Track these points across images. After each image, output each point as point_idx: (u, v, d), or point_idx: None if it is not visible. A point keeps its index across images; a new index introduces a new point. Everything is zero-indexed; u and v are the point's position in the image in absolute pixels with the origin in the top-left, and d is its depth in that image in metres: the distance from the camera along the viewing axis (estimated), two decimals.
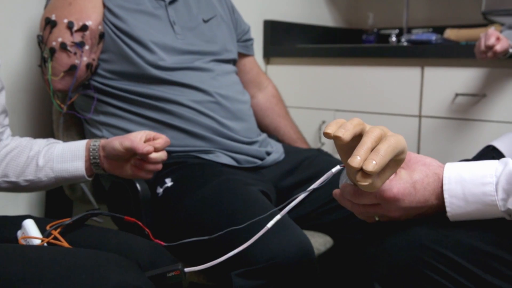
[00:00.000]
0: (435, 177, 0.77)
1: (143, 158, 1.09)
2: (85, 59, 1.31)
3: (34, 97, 1.57)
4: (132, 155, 1.09)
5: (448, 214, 0.76)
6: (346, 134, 0.68)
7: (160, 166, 1.12)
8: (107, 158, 1.11)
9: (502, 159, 0.76)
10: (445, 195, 0.75)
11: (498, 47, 1.56)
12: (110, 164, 1.12)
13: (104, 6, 1.36)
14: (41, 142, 1.14)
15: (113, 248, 0.92)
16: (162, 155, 1.10)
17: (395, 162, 0.72)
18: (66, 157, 1.10)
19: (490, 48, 1.56)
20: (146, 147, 1.06)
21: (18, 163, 1.10)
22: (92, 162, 1.11)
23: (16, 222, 0.97)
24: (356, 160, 0.67)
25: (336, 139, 0.69)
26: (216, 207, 1.16)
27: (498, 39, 1.58)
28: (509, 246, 0.73)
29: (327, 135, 0.69)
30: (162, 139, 1.10)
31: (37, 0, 1.54)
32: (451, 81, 1.92)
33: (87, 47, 1.31)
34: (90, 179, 1.13)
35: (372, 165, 0.66)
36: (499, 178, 0.73)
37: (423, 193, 0.77)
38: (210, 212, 1.16)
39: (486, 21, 2.35)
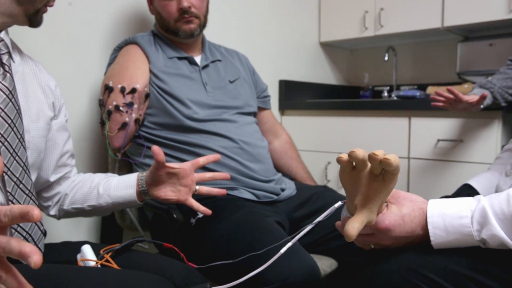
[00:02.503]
0: (420, 211, 0.76)
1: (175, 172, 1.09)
2: (133, 116, 1.33)
3: (94, 144, 1.60)
4: (170, 177, 1.09)
5: (432, 242, 0.75)
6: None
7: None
8: (151, 186, 1.12)
9: (476, 196, 0.75)
10: (429, 227, 0.74)
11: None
12: (153, 190, 1.12)
13: (150, 71, 1.39)
14: (100, 176, 1.16)
15: (153, 270, 0.91)
16: (210, 190, 1.13)
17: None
18: (121, 186, 1.12)
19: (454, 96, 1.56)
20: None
21: (82, 192, 1.12)
22: (141, 190, 1.12)
23: (76, 246, 0.98)
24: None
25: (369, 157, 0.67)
26: (238, 235, 1.15)
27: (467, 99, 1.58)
28: (483, 270, 0.71)
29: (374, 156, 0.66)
30: (213, 174, 1.13)
31: (97, 67, 1.59)
32: (433, 129, 1.92)
33: (135, 106, 1.34)
34: (141, 203, 1.14)
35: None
36: (473, 213, 0.72)
37: (411, 225, 0.76)
38: (234, 240, 1.15)
39: (461, 80, 2.36)
